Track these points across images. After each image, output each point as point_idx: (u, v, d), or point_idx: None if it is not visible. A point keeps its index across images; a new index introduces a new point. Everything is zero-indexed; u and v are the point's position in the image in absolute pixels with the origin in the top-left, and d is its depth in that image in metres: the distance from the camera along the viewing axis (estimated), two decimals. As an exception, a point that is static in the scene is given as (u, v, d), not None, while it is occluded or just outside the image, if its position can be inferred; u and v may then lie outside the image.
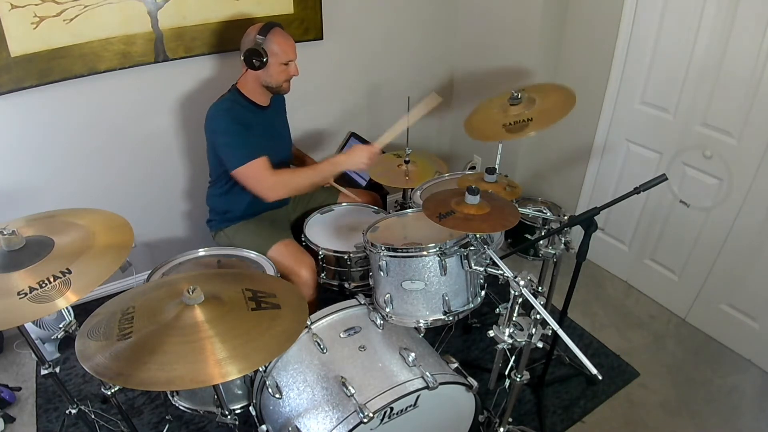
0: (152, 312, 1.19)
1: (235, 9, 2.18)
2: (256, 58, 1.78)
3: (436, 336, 2.11)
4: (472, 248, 1.50)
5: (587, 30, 2.43)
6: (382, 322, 1.60)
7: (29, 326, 2.00)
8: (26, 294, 1.11)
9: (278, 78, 1.87)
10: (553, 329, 1.25)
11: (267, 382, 1.48)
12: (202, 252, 1.89)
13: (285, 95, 2.04)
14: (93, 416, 1.72)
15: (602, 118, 2.49)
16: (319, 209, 2.17)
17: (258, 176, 1.80)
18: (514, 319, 1.36)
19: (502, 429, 1.64)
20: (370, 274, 1.67)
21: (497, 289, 2.16)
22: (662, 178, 1.51)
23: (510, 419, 1.65)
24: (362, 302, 1.69)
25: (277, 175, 1.83)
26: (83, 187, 2.24)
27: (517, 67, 2.61)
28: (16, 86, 1.90)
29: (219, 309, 1.19)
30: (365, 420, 1.27)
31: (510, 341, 1.35)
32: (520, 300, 1.32)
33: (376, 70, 2.76)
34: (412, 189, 2.15)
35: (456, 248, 1.48)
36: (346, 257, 1.87)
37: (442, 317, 1.55)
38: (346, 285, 1.94)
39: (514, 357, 1.43)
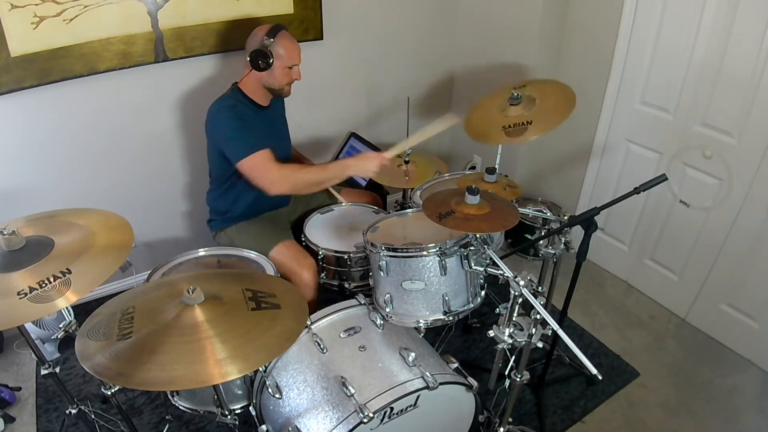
0: (152, 312, 1.19)
1: (235, 9, 2.18)
2: (261, 60, 1.78)
3: (436, 336, 2.10)
4: (472, 248, 1.50)
5: (587, 30, 2.43)
6: (382, 322, 1.60)
7: (29, 326, 2.00)
8: (26, 294, 1.11)
9: (281, 81, 1.87)
10: (553, 329, 1.25)
11: (267, 382, 1.48)
12: (202, 252, 1.89)
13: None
14: (93, 416, 1.71)
15: (602, 118, 2.49)
16: (319, 209, 2.17)
17: (263, 167, 1.75)
18: (514, 319, 1.36)
19: (502, 429, 1.64)
20: (370, 274, 1.68)
21: (497, 289, 2.16)
22: (662, 178, 1.51)
23: (510, 419, 1.64)
24: (362, 302, 1.69)
25: (282, 168, 1.78)
26: (83, 187, 2.24)
27: (517, 67, 2.61)
28: (16, 86, 1.90)
29: (219, 309, 1.19)
30: (365, 420, 1.27)
31: (510, 341, 1.35)
32: (520, 300, 1.32)
33: (376, 70, 2.75)
34: (412, 189, 2.15)
35: (456, 248, 1.48)
36: (346, 257, 1.87)
37: (442, 317, 1.55)
38: (346, 285, 1.94)
39: (514, 357, 1.43)
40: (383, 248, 1.52)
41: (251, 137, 1.79)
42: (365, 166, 1.83)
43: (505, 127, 1.86)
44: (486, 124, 1.96)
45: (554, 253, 1.81)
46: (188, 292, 1.16)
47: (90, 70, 2.00)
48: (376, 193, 2.44)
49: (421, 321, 1.56)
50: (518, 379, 1.48)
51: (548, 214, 1.83)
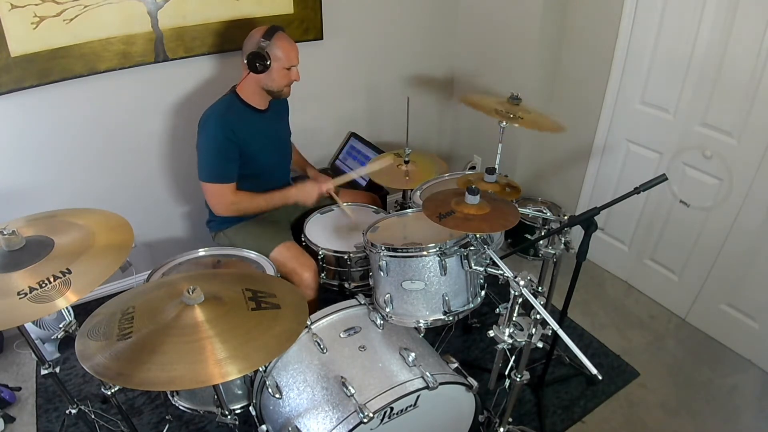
0: (152, 312, 1.19)
1: (235, 9, 2.18)
2: (259, 62, 1.78)
3: (436, 336, 2.11)
4: (472, 248, 1.50)
5: (587, 30, 2.43)
6: (382, 322, 1.60)
7: (29, 326, 2.00)
8: (26, 294, 1.11)
9: (280, 82, 1.87)
10: (553, 329, 1.25)
11: (267, 382, 1.48)
12: (202, 252, 1.89)
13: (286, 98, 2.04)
14: (93, 416, 1.71)
15: (602, 118, 2.49)
16: (319, 209, 2.17)
17: (217, 196, 1.89)
18: (514, 319, 1.36)
19: (502, 429, 1.64)
20: (370, 274, 1.67)
21: (497, 289, 2.16)
22: (662, 178, 1.51)
23: (510, 419, 1.64)
24: (362, 302, 1.69)
25: (235, 200, 1.90)
26: (83, 187, 2.24)
27: (517, 67, 2.61)
28: (16, 86, 1.90)
29: (219, 309, 1.19)
30: (365, 420, 1.27)
31: (510, 341, 1.35)
32: (520, 300, 1.32)
33: (376, 70, 2.75)
34: (412, 189, 2.15)
35: (456, 248, 1.48)
36: (346, 257, 1.87)
37: (442, 317, 1.55)
38: (346, 285, 1.94)
39: (514, 357, 1.43)
40: (383, 248, 1.52)
41: (221, 165, 1.86)
42: (304, 196, 2.00)
43: (498, 109, 1.90)
44: (482, 100, 2.04)
45: (554, 253, 1.81)
46: (188, 292, 1.16)
47: (90, 70, 2.00)
48: (376, 194, 2.44)
49: (421, 321, 1.56)
50: (518, 379, 1.48)
51: (548, 214, 1.83)
